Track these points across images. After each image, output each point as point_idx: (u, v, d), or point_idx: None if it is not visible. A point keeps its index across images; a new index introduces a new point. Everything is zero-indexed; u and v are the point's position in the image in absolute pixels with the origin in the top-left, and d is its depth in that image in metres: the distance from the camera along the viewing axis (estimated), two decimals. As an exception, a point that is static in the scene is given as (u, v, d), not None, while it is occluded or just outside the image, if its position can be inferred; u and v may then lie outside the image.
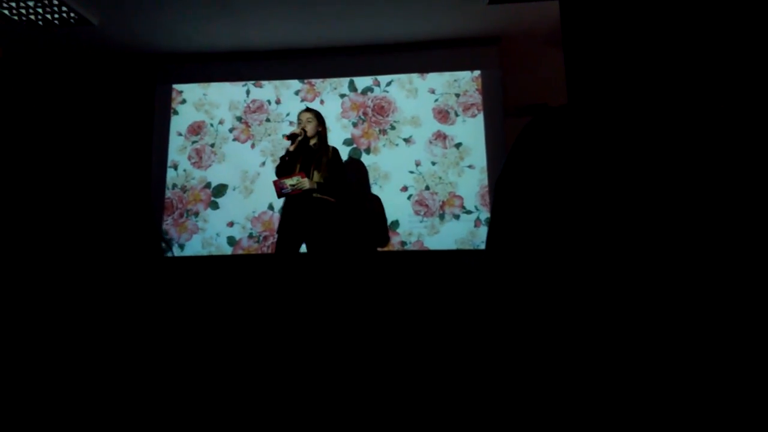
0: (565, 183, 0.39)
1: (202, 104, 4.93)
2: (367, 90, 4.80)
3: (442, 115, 4.69)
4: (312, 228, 3.31)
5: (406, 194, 4.59)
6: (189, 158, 4.85)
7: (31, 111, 5.13)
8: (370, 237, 4.49)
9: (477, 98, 4.68)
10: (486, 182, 4.53)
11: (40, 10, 3.92)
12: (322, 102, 4.80)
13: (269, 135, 4.79)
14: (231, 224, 4.69)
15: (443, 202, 4.56)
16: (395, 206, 4.57)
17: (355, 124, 4.75)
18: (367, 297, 4.15)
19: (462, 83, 4.71)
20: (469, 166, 4.58)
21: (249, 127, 4.85)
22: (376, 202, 4.54)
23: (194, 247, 4.68)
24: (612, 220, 0.36)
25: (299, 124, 3.42)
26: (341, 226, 3.52)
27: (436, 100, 4.71)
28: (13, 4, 3.84)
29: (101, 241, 0.47)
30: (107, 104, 5.12)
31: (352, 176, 4.45)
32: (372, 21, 4.29)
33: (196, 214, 4.75)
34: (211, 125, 4.89)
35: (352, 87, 4.81)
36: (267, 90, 4.89)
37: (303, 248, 3.44)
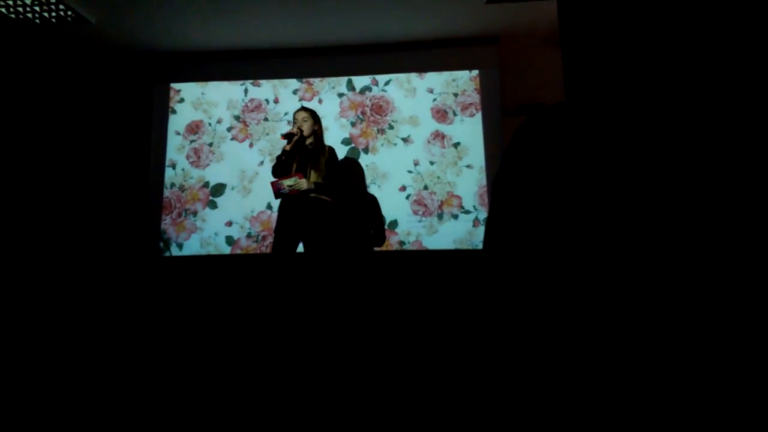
0: (561, 181, 0.39)
1: (200, 103, 4.93)
2: (366, 89, 4.79)
3: (441, 114, 4.69)
4: (309, 227, 3.30)
5: (405, 194, 4.59)
6: (187, 157, 4.84)
7: (29, 110, 5.12)
8: (367, 237, 4.49)
9: (475, 98, 4.68)
10: (484, 182, 4.53)
11: (37, 9, 3.91)
12: (320, 101, 4.80)
13: (267, 134, 4.79)
14: (229, 224, 4.68)
15: (442, 201, 4.56)
16: (393, 206, 4.57)
17: (353, 124, 4.75)
18: (365, 297, 4.15)
19: (460, 83, 4.71)
20: (468, 166, 4.59)
21: (247, 126, 4.84)
22: (373, 202, 4.53)
23: (193, 247, 4.67)
24: (608, 217, 0.36)
25: (295, 123, 3.41)
26: (338, 225, 3.52)
27: (435, 100, 4.71)
28: (11, 2, 3.83)
29: (99, 241, 0.47)
30: (105, 103, 5.11)
31: (348, 176, 4.45)
32: (370, 20, 4.29)
33: (195, 213, 4.74)
34: (210, 124, 4.88)
35: (351, 86, 4.81)
36: (265, 89, 4.89)
37: (300, 248, 3.43)
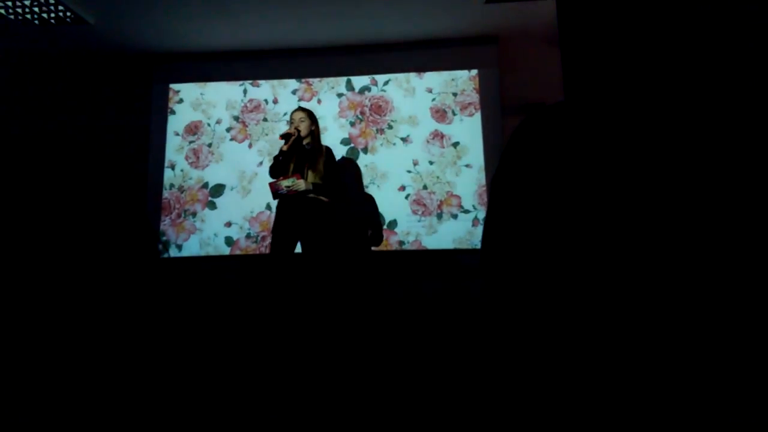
0: (560, 180, 0.39)
1: (199, 104, 4.92)
2: (365, 89, 4.79)
3: (440, 114, 4.69)
4: (307, 228, 3.30)
5: (404, 194, 4.59)
6: (186, 158, 4.84)
7: (27, 110, 5.11)
8: (364, 236, 4.49)
9: (474, 97, 4.68)
10: (484, 181, 4.53)
11: (36, 9, 3.91)
12: (319, 101, 4.80)
13: (267, 135, 4.78)
14: (229, 224, 4.68)
15: (441, 201, 4.56)
16: (393, 206, 4.57)
17: (352, 124, 4.75)
18: (364, 297, 4.15)
19: (459, 82, 4.71)
20: (467, 166, 4.59)
21: (246, 126, 4.84)
22: (370, 202, 4.54)
23: (192, 248, 4.67)
24: (608, 217, 0.36)
25: (292, 123, 3.40)
26: (335, 225, 3.52)
27: (434, 100, 4.71)
28: (9, 3, 3.83)
29: (97, 242, 0.47)
30: (103, 104, 5.11)
31: (345, 175, 4.44)
32: (369, 20, 4.29)
33: (194, 214, 4.74)
34: (209, 125, 4.88)
35: (350, 86, 4.81)
36: (264, 89, 4.89)
37: (298, 248, 3.43)
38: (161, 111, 4.94)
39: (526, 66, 4.78)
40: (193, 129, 4.89)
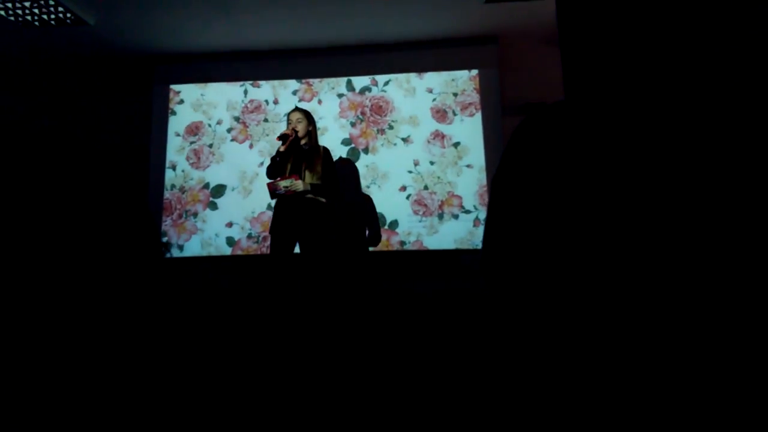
0: (561, 180, 0.39)
1: (200, 104, 4.93)
2: (365, 90, 4.79)
3: (440, 114, 4.69)
4: (305, 228, 3.30)
5: (405, 194, 4.59)
6: (187, 159, 4.84)
7: (27, 111, 5.12)
8: (362, 237, 4.50)
9: (475, 97, 4.68)
10: (484, 181, 4.53)
11: (36, 11, 3.91)
12: (320, 102, 4.80)
13: (267, 135, 4.79)
14: (230, 225, 4.68)
15: (442, 201, 4.56)
16: (394, 206, 4.57)
17: (353, 124, 4.75)
18: (364, 297, 4.15)
19: (460, 82, 4.71)
20: (468, 166, 4.58)
21: (247, 127, 4.84)
22: (368, 202, 4.54)
23: (193, 248, 4.68)
24: (607, 216, 0.36)
25: (289, 124, 3.40)
26: (334, 226, 3.52)
27: (434, 100, 4.71)
28: (9, 4, 3.83)
29: (99, 243, 0.47)
30: (104, 105, 5.11)
31: (343, 176, 4.45)
32: (369, 21, 4.29)
33: (195, 214, 4.74)
34: (209, 126, 4.88)
35: (350, 87, 4.81)
36: (265, 90, 4.89)
37: (297, 248, 3.43)
38: (162, 112, 4.94)
39: (526, 66, 4.78)
40: (193, 130, 4.89)
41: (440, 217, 4.53)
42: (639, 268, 0.35)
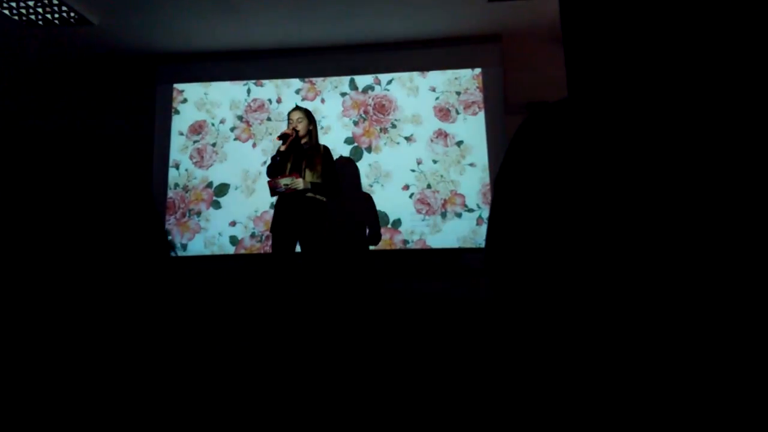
0: (564, 178, 0.39)
1: (204, 104, 4.93)
2: (368, 88, 4.79)
3: (443, 113, 4.68)
4: (305, 227, 3.30)
5: (408, 193, 4.59)
6: (191, 158, 4.85)
7: (31, 111, 5.14)
8: (362, 236, 4.50)
9: (478, 96, 4.67)
10: (487, 180, 4.52)
11: (40, 10, 3.92)
12: (323, 101, 4.80)
13: (270, 134, 4.79)
14: (233, 224, 4.69)
15: (445, 200, 4.55)
16: (397, 205, 4.57)
17: (356, 123, 4.75)
18: (366, 295, 4.15)
19: (463, 81, 4.70)
20: (471, 164, 4.58)
21: (250, 126, 4.85)
22: (368, 201, 4.54)
23: (197, 247, 4.69)
24: (613, 215, 0.36)
25: (290, 123, 3.42)
26: (334, 224, 3.53)
27: (437, 98, 4.71)
28: (13, 4, 3.84)
29: (103, 243, 0.47)
30: (108, 104, 5.13)
31: (343, 175, 4.45)
32: (372, 19, 4.29)
33: (199, 213, 4.75)
34: (213, 125, 4.89)
35: (353, 85, 4.81)
36: (268, 89, 4.89)
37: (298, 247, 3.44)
38: (165, 111, 4.95)
39: (530, 64, 4.77)
40: (197, 129, 4.90)
41: (443, 215, 4.53)
42: (644, 267, 0.35)
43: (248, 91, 4.90)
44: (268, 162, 4.21)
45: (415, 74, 4.75)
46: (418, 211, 4.55)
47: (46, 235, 0.46)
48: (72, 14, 3.98)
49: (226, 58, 4.90)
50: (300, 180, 3.26)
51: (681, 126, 0.36)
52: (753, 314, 0.33)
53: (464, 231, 4.48)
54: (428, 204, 4.56)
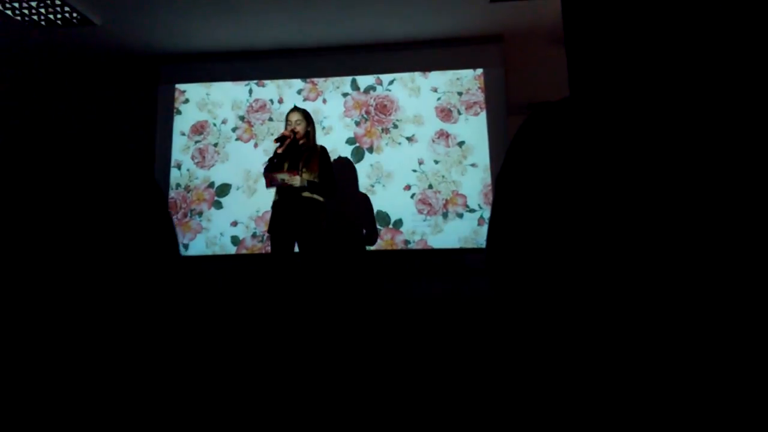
0: (565, 177, 0.39)
1: (205, 104, 4.94)
2: (370, 89, 4.79)
3: (445, 113, 4.68)
4: (303, 227, 3.31)
5: (409, 193, 4.59)
6: (192, 158, 4.86)
7: (35, 110, 5.15)
8: (359, 236, 4.51)
9: (479, 96, 4.66)
10: (489, 180, 4.52)
11: (42, 10, 3.93)
12: (324, 101, 4.80)
13: (272, 134, 4.79)
14: (235, 224, 4.69)
15: (446, 200, 4.55)
16: (398, 205, 4.57)
17: (357, 123, 4.75)
18: (367, 296, 4.15)
19: (464, 81, 4.70)
20: (472, 165, 4.57)
21: (252, 126, 4.85)
22: (365, 201, 4.54)
23: (198, 247, 4.69)
24: (614, 215, 0.36)
25: (288, 124, 3.44)
26: (331, 224, 3.54)
27: (439, 99, 4.70)
28: (16, 4, 3.85)
29: (103, 243, 0.47)
30: (110, 104, 5.13)
31: (341, 175, 4.45)
32: (374, 20, 4.29)
33: (200, 213, 4.75)
34: (214, 125, 4.90)
35: (355, 86, 4.81)
36: (269, 89, 4.89)
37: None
38: (167, 111, 4.96)
39: (531, 65, 4.76)
40: (199, 129, 4.90)
41: (445, 216, 4.52)
42: (646, 267, 0.35)
43: (250, 91, 4.91)
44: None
45: (416, 75, 4.75)
46: (420, 212, 4.55)
47: (62, 234, 0.46)
48: (74, 15, 3.99)
49: (228, 59, 4.90)
50: (297, 177, 3.27)
51: (683, 127, 0.36)
52: (752, 314, 0.33)
53: (466, 231, 4.48)
54: (430, 204, 4.56)
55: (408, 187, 4.60)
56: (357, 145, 4.71)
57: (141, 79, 5.08)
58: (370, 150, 4.69)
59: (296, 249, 3.41)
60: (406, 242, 4.50)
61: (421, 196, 4.57)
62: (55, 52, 4.74)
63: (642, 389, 0.35)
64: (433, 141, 4.64)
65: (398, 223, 4.54)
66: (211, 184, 4.79)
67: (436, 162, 4.61)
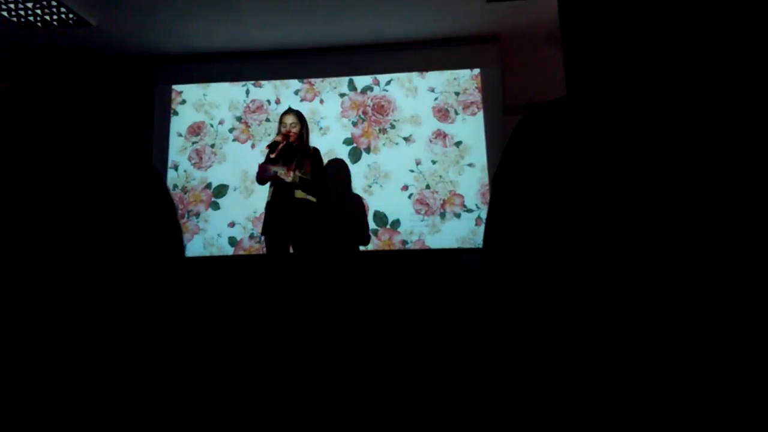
0: (562, 176, 0.39)
1: (202, 105, 4.93)
2: (367, 89, 4.79)
3: (442, 113, 4.68)
4: (296, 229, 3.33)
5: (407, 193, 4.59)
6: (189, 159, 4.85)
7: (30, 113, 5.13)
8: (352, 236, 4.51)
9: (477, 96, 4.67)
10: (486, 180, 4.53)
11: (38, 11, 3.92)
12: (321, 101, 4.80)
13: (269, 135, 4.79)
14: (232, 224, 4.69)
15: (444, 200, 4.55)
16: (396, 205, 4.57)
17: (354, 124, 4.75)
18: (364, 296, 4.15)
19: (462, 81, 4.70)
20: (470, 165, 4.58)
21: (249, 127, 4.85)
22: (359, 202, 4.55)
23: (196, 248, 4.68)
24: (610, 214, 0.36)
25: (283, 127, 3.45)
26: (325, 225, 3.55)
27: (436, 99, 4.71)
28: (12, 5, 3.84)
29: (102, 244, 0.47)
30: (106, 105, 5.12)
31: (335, 176, 4.45)
32: (371, 20, 4.29)
33: (197, 214, 4.75)
34: (211, 126, 4.89)
35: (352, 86, 4.81)
36: (266, 90, 4.89)
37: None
38: (164, 112, 4.95)
39: (529, 65, 4.76)
40: (196, 130, 4.90)
41: (442, 216, 4.52)
42: (642, 266, 0.35)
43: (247, 92, 4.90)
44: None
45: (414, 75, 4.75)
46: (417, 212, 4.55)
47: (70, 234, 0.46)
48: (70, 15, 3.98)
49: (225, 59, 4.89)
50: (291, 173, 3.29)
51: (679, 126, 0.36)
52: (751, 314, 0.33)
53: (463, 231, 4.48)
54: (427, 204, 4.56)
55: (405, 188, 4.60)
56: (354, 145, 4.71)
57: (137, 79, 5.07)
58: (368, 150, 4.69)
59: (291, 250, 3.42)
60: (404, 242, 4.51)
61: (419, 196, 4.57)
62: (51, 54, 4.72)
63: (640, 389, 0.35)
64: (431, 141, 4.64)
65: (396, 223, 4.54)
66: (209, 185, 4.78)
67: (434, 162, 4.61)
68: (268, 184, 3.43)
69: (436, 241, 4.49)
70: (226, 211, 4.72)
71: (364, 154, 4.68)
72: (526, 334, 0.42)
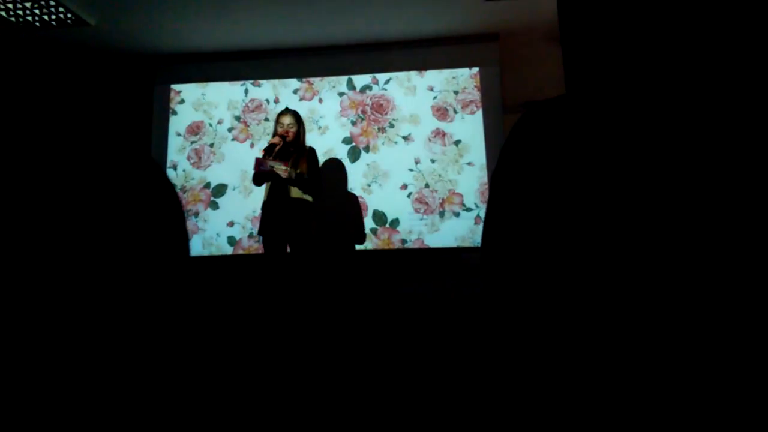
0: (560, 175, 0.38)
1: (201, 104, 4.93)
2: (366, 88, 4.79)
3: (441, 112, 4.68)
4: (293, 228, 3.34)
5: (406, 192, 4.59)
6: (188, 158, 4.85)
7: (29, 112, 5.12)
8: (348, 235, 4.51)
9: (476, 95, 4.67)
10: (485, 179, 4.52)
11: (36, 11, 3.91)
12: (320, 100, 4.80)
13: (268, 134, 4.78)
14: (231, 224, 4.68)
15: (443, 199, 4.55)
16: (395, 204, 4.57)
17: (353, 123, 4.74)
18: (366, 296, 4.15)
19: (460, 80, 4.70)
20: (469, 164, 4.58)
21: (248, 126, 4.84)
22: (354, 201, 4.55)
23: (195, 248, 4.68)
24: (608, 213, 0.36)
25: (280, 127, 3.46)
26: (320, 225, 3.56)
27: (435, 98, 4.70)
28: (10, 5, 3.83)
29: (101, 244, 0.47)
30: (105, 105, 5.11)
31: (331, 176, 4.45)
32: (370, 19, 4.28)
33: (196, 214, 4.74)
34: (210, 125, 4.88)
35: (351, 85, 4.81)
36: (265, 89, 4.88)
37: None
38: (163, 111, 4.94)
39: (527, 63, 4.76)
40: (194, 129, 4.89)
41: (441, 215, 4.52)
42: (640, 266, 0.35)
43: (246, 91, 4.90)
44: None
45: (412, 74, 4.75)
46: (416, 211, 4.55)
47: (74, 233, 0.46)
48: (69, 15, 3.97)
49: (224, 59, 4.89)
50: (288, 169, 3.30)
51: (678, 124, 0.36)
52: (750, 314, 0.33)
53: (462, 230, 4.48)
54: (426, 203, 4.56)
55: (404, 187, 4.60)
56: (353, 144, 4.71)
57: (136, 79, 5.06)
58: (367, 149, 4.69)
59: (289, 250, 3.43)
60: (403, 241, 4.51)
61: (418, 195, 4.57)
62: (50, 53, 4.72)
63: (638, 388, 0.35)
64: (430, 140, 4.64)
65: (395, 222, 4.54)
66: (208, 185, 4.78)
67: (433, 161, 4.61)
68: (265, 184, 3.44)
69: (435, 239, 4.49)
70: (225, 210, 4.71)
71: (363, 153, 4.68)
72: (523, 332, 0.42)
